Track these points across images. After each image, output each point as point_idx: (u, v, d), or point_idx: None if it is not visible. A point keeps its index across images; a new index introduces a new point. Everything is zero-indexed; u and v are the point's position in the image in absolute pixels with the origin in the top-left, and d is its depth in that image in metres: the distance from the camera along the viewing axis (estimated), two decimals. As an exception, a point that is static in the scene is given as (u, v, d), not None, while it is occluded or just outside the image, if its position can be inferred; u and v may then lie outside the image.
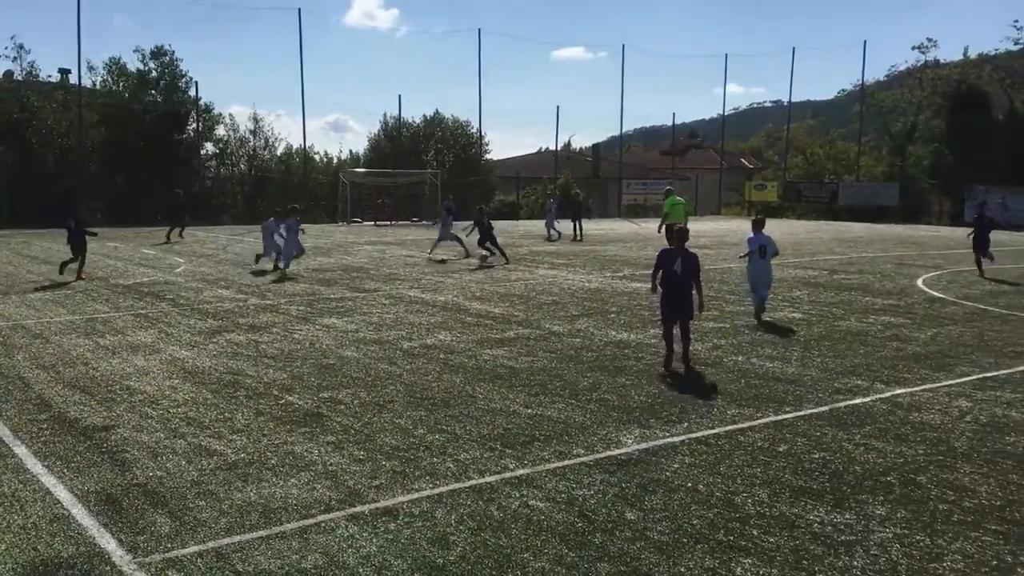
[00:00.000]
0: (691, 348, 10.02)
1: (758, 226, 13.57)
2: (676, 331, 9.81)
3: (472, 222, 24.36)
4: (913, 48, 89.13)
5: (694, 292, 9.85)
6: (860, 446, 7.05)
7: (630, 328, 12.42)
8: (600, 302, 15.15)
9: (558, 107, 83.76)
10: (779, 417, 7.86)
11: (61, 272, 18.05)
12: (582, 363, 10.05)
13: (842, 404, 8.35)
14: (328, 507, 5.60)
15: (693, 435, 7.28)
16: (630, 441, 7.09)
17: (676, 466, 6.49)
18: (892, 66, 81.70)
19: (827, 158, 64.33)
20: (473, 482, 6.09)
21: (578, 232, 31.43)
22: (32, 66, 46.09)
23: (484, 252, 23.06)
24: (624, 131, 62.85)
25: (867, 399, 8.55)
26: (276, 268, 19.59)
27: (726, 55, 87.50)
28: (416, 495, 5.83)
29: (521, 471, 6.33)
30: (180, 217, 31.63)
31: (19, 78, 45.69)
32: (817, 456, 6.78)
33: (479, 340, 11.40)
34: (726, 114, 67.72)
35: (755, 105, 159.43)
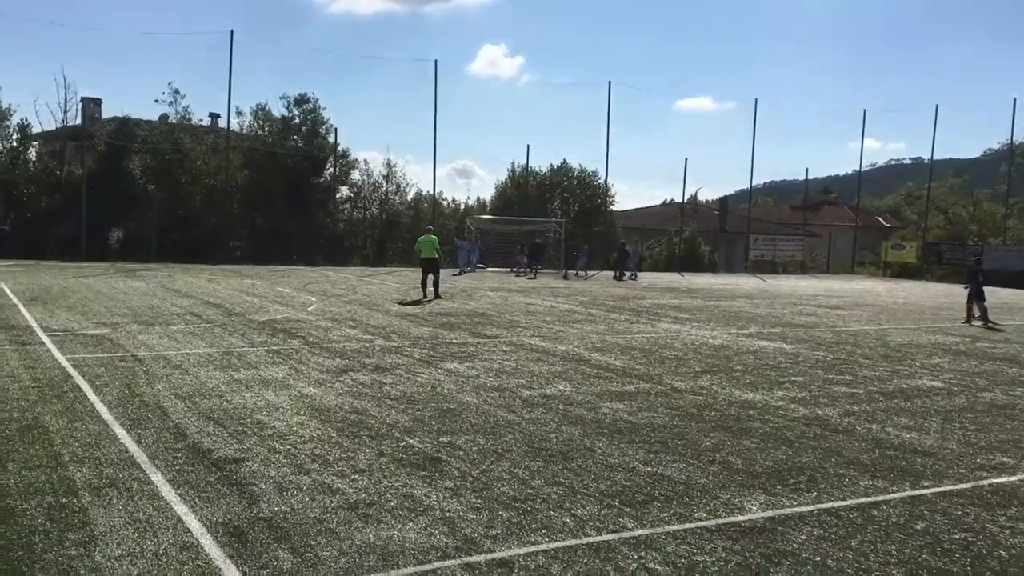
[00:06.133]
0: None
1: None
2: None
3: None
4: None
5: None
6: (1006, 528, 6.57)
7: (755, 388, 12.05)
8: (724, 359, 14.78)
9: (686, 159, 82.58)
10: (916, 492, 7.42)
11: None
12: (704, 422, 9.79)
13: (986, 482, 7.81)
14: (444, 554, 5.59)
15: (823, 505, 6.95)
16: (755, 508, 6.82)
17: (804, 538, 6.20)
18: (1044, 124, 77.39)
19: (971, 219, 61.44)
20: (590, 539, 5.97)
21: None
22: (186, 110, 49.22)
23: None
24: (753, 185, 61.72)
25: (1013, 478, 7.97)
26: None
27: (864, 110, 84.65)
28: (532, 548, 5.76)
29: (640, 531, 6.17)
30: (540, 257, 41.51)
31: (173, 121, 48.90)
32: (958, 537, 6.35)
33: (599, 393, 11.29)
34: (863, 170, 65.72)
35: (893, 161, 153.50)
